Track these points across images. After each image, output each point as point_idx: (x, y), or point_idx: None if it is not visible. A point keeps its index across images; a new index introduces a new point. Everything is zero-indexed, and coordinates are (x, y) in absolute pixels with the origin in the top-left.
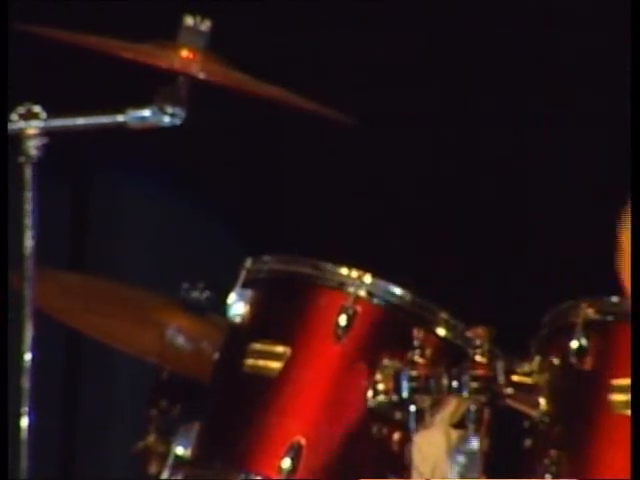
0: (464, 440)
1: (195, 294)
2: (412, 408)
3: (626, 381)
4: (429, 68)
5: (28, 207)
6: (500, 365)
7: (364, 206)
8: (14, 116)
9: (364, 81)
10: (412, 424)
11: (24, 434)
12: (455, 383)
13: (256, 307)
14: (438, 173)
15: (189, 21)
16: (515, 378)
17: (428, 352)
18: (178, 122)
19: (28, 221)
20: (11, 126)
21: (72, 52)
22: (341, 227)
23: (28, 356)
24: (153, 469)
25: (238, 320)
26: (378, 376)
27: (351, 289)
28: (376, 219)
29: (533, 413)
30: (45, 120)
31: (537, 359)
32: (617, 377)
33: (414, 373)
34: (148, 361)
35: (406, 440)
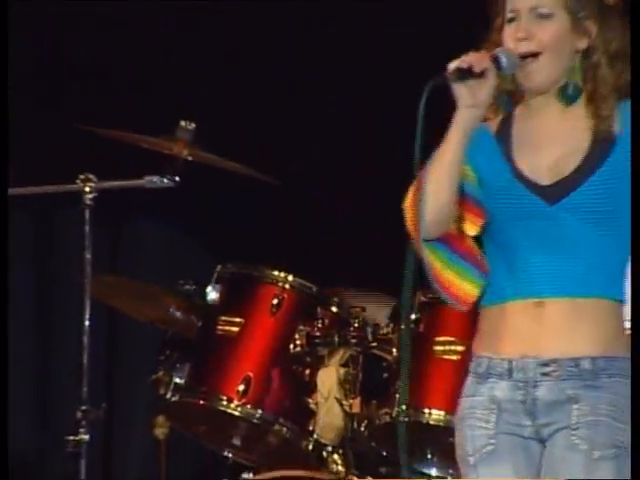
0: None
1: (187, 287)
2: (317, 354)
3: (444, 338)
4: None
5: (86, 236)
6: (369, 329)
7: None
8: (78, 180)
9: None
10: (316, 364)
11: (85, 366)
12: (342, 340)
13: (223, 295)
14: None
15: (182, 124)
16: (378, 337)
17: (326, 321)
18: (173, 184)
19: (87, 243)
20: (76, 187)
21: (112, 142)
22: (273, 245)
23: (87, 322)
24: (162, 391)
25: (212, 303)
26: (296, 336)
27: (280, 284)
28: (297, 239)
29: (389, 358)
30: (95, 183)
31: (391, 325)
32: (438, 336)
33: (317, 334)
34: (158, 327)
35: (313, 374)
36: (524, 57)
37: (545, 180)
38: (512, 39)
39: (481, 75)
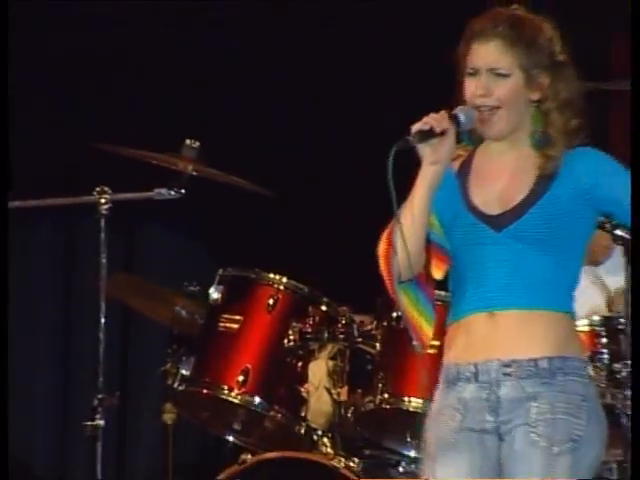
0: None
1: (191, 288)
2: (308, 348)
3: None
4: None
5: (102, 243)
6: (355, 326)
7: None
8: (94, 193)
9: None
10: (307, 357)
11: (101, 359)
12: (331, 335)
13: (224, 295)
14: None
15: (187, 142)
16: (363, 333)
17: (317, 319)
18: (179, 196)
19: (102, 249)
20: (92, 199)
21: (124, 158)
22: (269, 250)
23: (102, 320)
24: (170, 381)
25: (214, 302)
26: (290, 332)
27: (275, 285)
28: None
29: (372, 351)
30: (110, 195)
31: (375, 322)
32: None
33: (309, 330)
34: (166, 325)
35: (305, 366)
36: (482, 110)
37: (495, 211)
38: (472, 94)
39: (442, 134)
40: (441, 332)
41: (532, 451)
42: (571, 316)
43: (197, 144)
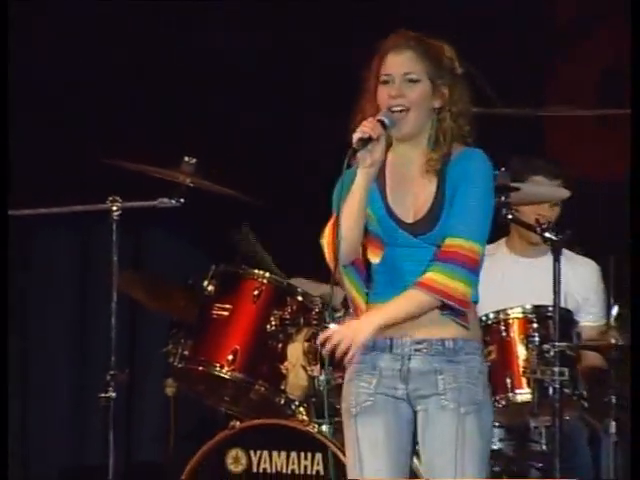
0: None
1: (189, 282)
2: (287, 332)
3: None
4: None
5: (114, 244)
6: (327, 312)
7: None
8: (107, 201)
9: None
10: (286, 340)
11: (113, 341)
12: (306, 321)
13: (216, 287)
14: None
15: (186, 159)
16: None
17: (294, 307)
18: (179, 204)
19: (114, 249)
20: (105, 206)
21: (133, 172)
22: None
23: (114, 306)
24: (171, 360)
25: (208, 294)
26: (272, 319)
27: (260, 279)
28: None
29: None
30: (120, 203)
31: (343, 310)
32: None
33: (287, 317)
34: (167, 312)
35: (284, 347)
36: (396, 111)
37: (409, 219)
38: (386, 97)
39: (377, 139)
40: None
41: (444, 413)
42: (474, 305)
43: (194, 160)
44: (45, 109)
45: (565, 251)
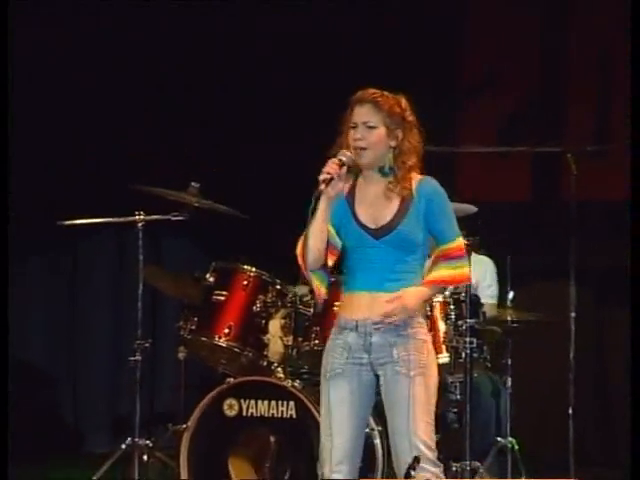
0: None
1: (195, 275)
2: (269, 312)
3: (338, 302)
4: None
5: (140, 246)
6: (298, 297)
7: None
8: (135, 215)
9: None
10: (268, 318)
11: (140, 318)
12: (282, 304)
13: (216, 279)
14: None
15: (193, 184)
16: (303, 302)
17: (274, 293)
18: (188, 218)
19: (140, 251)
20: (133, 218)
21: (152, 194)
22: (245, 251)
23: (140, 293)
24: (182, 333)
25: (209, 283)
26: (257, 302)
27: (248, 273)
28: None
29: (308, 313)
30: (144, 216)
31: (310, 295)
32: (336, 300)
33: (269, 300)
34: (180, 297)
35: (266, 323)
36: (357, 149)
37: (372, 225)
38: (352, 139)
39: (338, 176)
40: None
41: (398, 377)
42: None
43: (198, 185)
44: (81, 147)
45: (473, 253)
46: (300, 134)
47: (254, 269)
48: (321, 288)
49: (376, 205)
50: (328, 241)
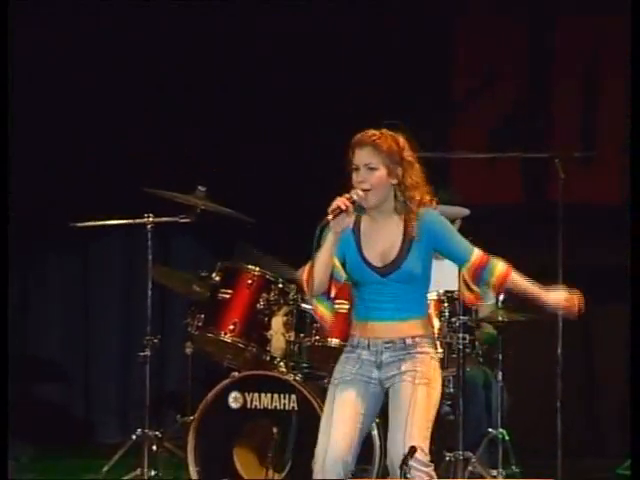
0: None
1: (202, 274)
2: (271, 309)
3: (339, 300)
4: None
5: (149, 246)
6: (299, 295)
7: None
8: (145, 217)
9: None
10: (270, 314)
11: (149, 315)
12: (284, 302)
13: (222, 278)
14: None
15: (200, 188)
16: (304, 300)
17: (276, 292)
18: (194, 220)
19: (149, 251)
20: (143, 220)
21: (162, 197)
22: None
23: (149, 292)
24: (189, 329)
25: (215, 282)
26: (260, 299)
27: (252, 272)
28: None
29: (309, 311)
30: (153, 218)
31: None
32: (337, 299)
33: (272, 298)
34: (187, 295)
35: (269, 320)
36: (363, 191)
37: (379, 263)
38: (355, 181)
39: (346, 211)
40: (350, 298)
41: (404, 385)
42: (426, 317)
43: (204, 188)
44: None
45: None
46: (300, 134)
47: (258, 269)
48: (326, 314)
49: (382, 242)
50: (332, 274)
